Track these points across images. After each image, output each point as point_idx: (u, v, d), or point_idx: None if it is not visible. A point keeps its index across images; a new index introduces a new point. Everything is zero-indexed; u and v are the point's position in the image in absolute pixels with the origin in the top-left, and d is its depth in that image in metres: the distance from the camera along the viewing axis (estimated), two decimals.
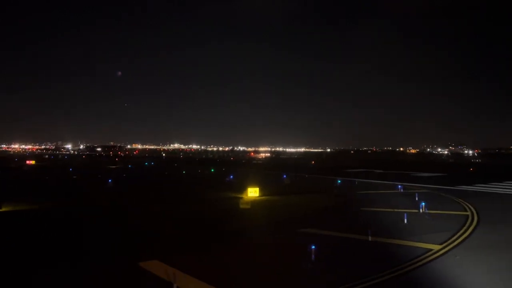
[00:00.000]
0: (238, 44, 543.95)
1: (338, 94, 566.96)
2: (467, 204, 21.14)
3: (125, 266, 10.34)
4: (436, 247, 12.18)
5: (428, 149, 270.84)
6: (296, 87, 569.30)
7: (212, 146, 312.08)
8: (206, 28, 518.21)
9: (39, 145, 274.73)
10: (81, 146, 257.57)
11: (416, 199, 22.30)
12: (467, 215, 17.79)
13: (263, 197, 24.42)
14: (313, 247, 10.85)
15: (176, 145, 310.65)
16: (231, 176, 39.29)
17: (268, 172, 51.41)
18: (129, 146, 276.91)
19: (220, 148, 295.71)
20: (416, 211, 18.78)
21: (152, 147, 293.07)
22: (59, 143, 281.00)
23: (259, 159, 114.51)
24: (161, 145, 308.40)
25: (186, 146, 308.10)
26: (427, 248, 12.00)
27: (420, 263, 10.59)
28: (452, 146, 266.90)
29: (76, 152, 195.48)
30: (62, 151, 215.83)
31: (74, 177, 42.06)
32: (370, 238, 13.08)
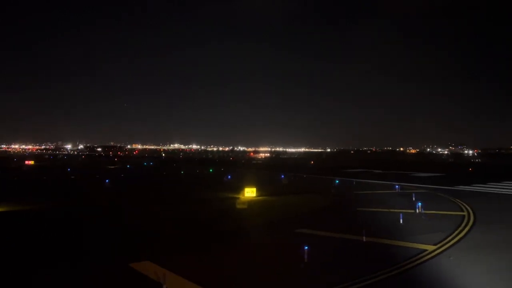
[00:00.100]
0: (238, 44, 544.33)
1: (338, 94, 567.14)
2: (464, 204, 21.08)
3: (116, 267, 10.28)
4: (430, 247, 12.12)
5: (428, 149, 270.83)
6: (296, 87, 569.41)
7: (212, 146, 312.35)
8: (206, 28, 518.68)
9: (39, 145, 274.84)
10: (80, 146, 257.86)
11: (413, 199, 22.24)
12: (464, 215, 17.72)
13: (260, 197, 24.36)
14: (306, 247, 10.82)
15: (176, 145, 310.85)
16: (229, 176, 39.24)
17: (267, 172, 51.38)
18: (129, 146, 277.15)
19: (220, 148, 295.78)
20: (413, 211, 18.73)
21: (152, 147, 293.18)
22: (59, 143, 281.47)
23: (259, 159, 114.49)
24: (161, 145, 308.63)
25: (186, 146, 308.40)
26: (421, 249, 11.94)
27: (413, 264, 10.51)
28: (452, 146, 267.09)
29: (75, 152, 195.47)
30: (62, 151, 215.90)
31: (72, 177, 42.04)
32: (364, 239, 13.02)
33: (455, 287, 8.84)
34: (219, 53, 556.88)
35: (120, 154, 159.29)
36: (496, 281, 9.36)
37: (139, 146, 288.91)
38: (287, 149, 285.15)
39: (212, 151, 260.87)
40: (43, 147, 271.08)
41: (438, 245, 12.39)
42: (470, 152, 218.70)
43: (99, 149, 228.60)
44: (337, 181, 34.44)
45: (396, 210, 18.52)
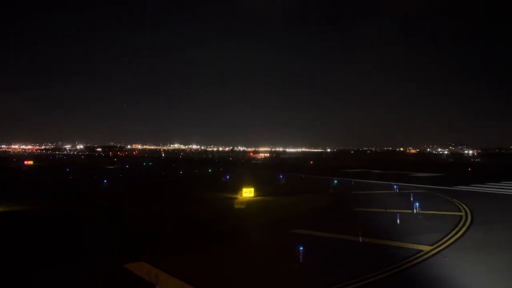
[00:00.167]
0: (238, 44, 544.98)
1: (338, 94, 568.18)
2: (462, 204, 21.03)
3: (110, 268, 10.24)
4: (426, 248, 12.07)
5: (428, 149, 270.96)
6: (296, 87, 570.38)
7: (212, 146, 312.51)
8: (206, 28, 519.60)
9: (39, 146, 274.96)
10: (79, 147, 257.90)
11: (411, 199, 22.17)
12: (461, 216, 17.67)
13: (258, 198, 24.31)
14: (301, 248, 10.78)
15: (176, 145, 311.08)
16: (228, 176, 39.17)
17: (266, 172, 51.30)
18: (129, 146, 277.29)
19: (220, 148, 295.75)
20: (410, 211, 18.68)
21: (152, 147, 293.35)
22: (59, 143, 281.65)
23: (258, 159, 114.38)
24: (161, 145, 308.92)
25: (186, 147, 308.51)
26: (417, 249, 11.89)
27: (408, 265, 10.47)
28: (452, 146, 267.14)
29: (74, 153, 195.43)
30: (62, 151, 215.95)
31: (71, 177, 41.99)
32: (360, 239, 12.98)
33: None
34: (219, 53, 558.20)
35: (120, 154, 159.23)
36: (496, 281, 9.34)
37: (139, 146, 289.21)
38: (287, 149, 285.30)
39: (212, 151, 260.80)
40: (43, 147, 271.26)
41: (435, 246, 12.34)
42: (470, 152, 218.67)
43: (99, 149, 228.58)
44: (336, 181, 34.36)
45: (393, 211, 18.46)
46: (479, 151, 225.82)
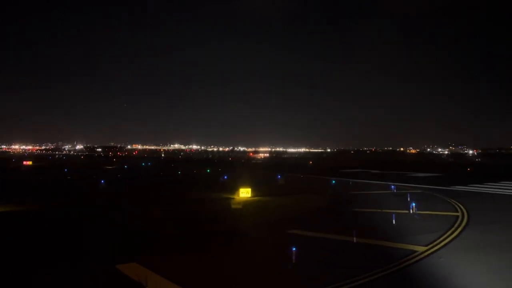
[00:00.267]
0: (238, 44, 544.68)
1: (338, 94, 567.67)
2: (459, 204, 20.95)
3: (102, 268, 10.19)
4: (421, 248, 12.00)
5: (429, 149, 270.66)
6: (296, 87, 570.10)
7: (212, 146, 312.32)
8: (206, 28, 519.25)
9: (39, 146, 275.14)
10: (78, 147, 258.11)
11: (408, 199, 22.11)
12: (457, 216, 17.60)
13: (255, 198, 24.25)
14: (298, 248, 10.75)
15: (176, 146, 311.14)
16: (225, 177, 39.13)
17: (265, 172, 51.27)
18: (129, 147, 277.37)
19: (220, 149, 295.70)
20: (407, 211, 18.61)
21: (152, 147, 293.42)
22: (59, 143, 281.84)
23: (258, 159, 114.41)
24: (161, 145, 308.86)
25: (186, 147, 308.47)
26: (411, 250, 11.83)
27: (401, 265, 10.39)
28: (452, 146, 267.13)
29: (73, 153, 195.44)
30: (62, 151, 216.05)
31: (69, 177, 41.97)
32: (355, 240, 12.92)
33: None
34: (219, 53, 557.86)
35: (119, 155, 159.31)
36: (496, 281, 9.29)
37: (139, 147, 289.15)
38: (287, 149, 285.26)
39: (212, 151, 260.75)
40: (43, 147, 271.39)
41: (429, 246, 12.27)
42: (470, 152, 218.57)
43: (99, 150, 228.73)
44: (334, 181, 34.32)
45: (390, 211, 18.39)
46: (479, 151, 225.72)
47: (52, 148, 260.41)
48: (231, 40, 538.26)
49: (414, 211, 18.47)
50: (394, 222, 15.90)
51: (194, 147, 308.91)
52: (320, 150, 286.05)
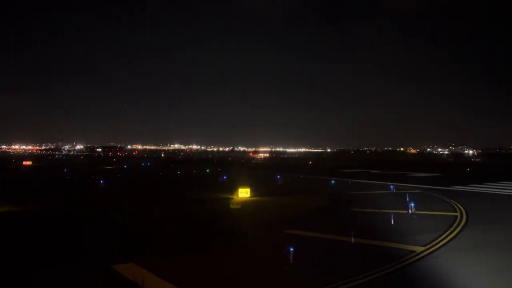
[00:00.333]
0: (238, 44, 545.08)
1: (338, 94, 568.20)
2: (458, 204, 20.97)
3: (98, 269, 10.20)
4: (419, 248, 12.01)
5: (429, 149, 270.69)
6: (296, 87, 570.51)
7: (212, 146, 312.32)
8: (206, 28, 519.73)
9: (39, 146, 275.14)
10: (77, 147, 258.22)
11: (407, 199, 22.13)
12: (456, 216, 17.61)
13: (254, 198, 24.26)
14: (296, 249, 10.75)
15: (176, 146, 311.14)
16: (225, 177, 39.14)
17: (264, 172, 51.29)
18: (129, 147, 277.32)
19: (220, 149, 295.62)
20: (405, 211, 18.63)
21: (152, 147, 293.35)
22: (60, 143, 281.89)
23: (258, 159, 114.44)
24: (161, 145, 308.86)
25: (186, 147, 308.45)
26: (409, 250, 11.83)
27: (398, 266, 10.40)
28: (452, 146, 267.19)
29: (74, 153, 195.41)
30: (62, 151, 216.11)
31: (68, 177, 41.98)
32: (353, 240, 12.93)
33: None
34: (219, 53, 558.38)
35: (119, 155, 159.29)
36: (496, 281, 9.31)
37: (139, 147, 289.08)
38: (287, 149, 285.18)
39: (212, 151, 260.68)
40: (43, 147, 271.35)
41: (427, 246, 12.29)
42: (470, 152, 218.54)
43: (99, 150, 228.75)
44: (334, 182, 34.34)
45: (388, 211, 18.41)
46: (479, 151, 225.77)
47: (52, 148, 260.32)
48: (231, 40, 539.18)
49: (412, 211, 18.48)
50: (392, 222, 15.92)
51: (194, 147, 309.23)
52: (320, 150, 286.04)
